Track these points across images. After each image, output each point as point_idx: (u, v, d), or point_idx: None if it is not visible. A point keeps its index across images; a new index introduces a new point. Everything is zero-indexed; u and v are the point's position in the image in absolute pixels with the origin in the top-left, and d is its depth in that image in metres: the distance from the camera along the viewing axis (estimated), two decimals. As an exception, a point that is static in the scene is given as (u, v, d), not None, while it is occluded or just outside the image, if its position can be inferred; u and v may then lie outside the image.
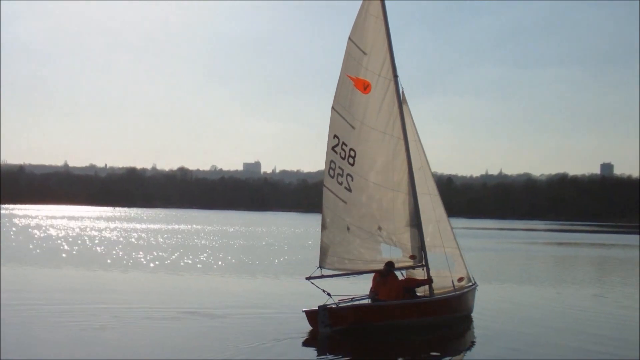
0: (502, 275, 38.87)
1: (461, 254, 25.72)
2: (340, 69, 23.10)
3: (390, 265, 22.78)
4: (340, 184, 23.23)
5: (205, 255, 49.56)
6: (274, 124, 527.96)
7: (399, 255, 23.67)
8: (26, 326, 20.82)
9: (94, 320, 22.09)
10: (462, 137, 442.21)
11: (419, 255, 23.70)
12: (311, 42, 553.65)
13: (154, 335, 20.36)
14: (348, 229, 23.36)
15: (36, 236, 66.61)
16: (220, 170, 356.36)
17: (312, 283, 22.52)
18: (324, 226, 23.38)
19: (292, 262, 46.47)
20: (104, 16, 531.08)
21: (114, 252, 49.80)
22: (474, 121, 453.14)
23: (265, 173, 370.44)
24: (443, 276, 24.10)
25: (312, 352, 19.47)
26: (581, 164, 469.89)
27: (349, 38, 23.13)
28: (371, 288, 22.73)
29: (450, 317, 23.24)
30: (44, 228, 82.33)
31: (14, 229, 79.15)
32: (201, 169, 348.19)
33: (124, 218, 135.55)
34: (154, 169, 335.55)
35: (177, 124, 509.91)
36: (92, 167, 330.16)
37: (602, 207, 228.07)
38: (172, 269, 39.29)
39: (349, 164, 23.20)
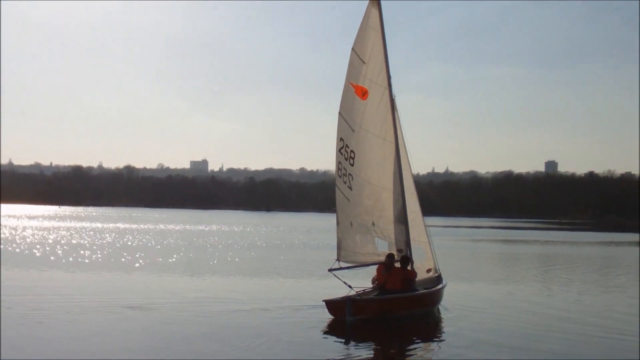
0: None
1: (431, 247, 27.74)
2: (345, 77, 25.19)
3: (391, 257, 24.92)
4: (345, 183, 25.59)
5: (192, 254, 50.32)
6: (221, 122, 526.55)
7: (385, 249, 25.89)
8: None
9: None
10: (408, 134, 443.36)
11: (405, 249, 25.80)
12: (258, 41, 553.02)
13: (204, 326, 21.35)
14: (351, 224, 25.80)
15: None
16: (167, 168, 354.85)
17: (334, 275, 25.05)
18: (337, 223, 25.85)
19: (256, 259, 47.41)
20: (49, 15, 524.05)
21: (82, 252, 49.82)
22: (420, 119, 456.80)
23: (212, 171, 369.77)
24: (416, 267, 26.04)
25: (338, 339, 20.69)
26: (526, 161, 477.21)
27: (352, 49, 25.16)
28: (374, 278, 24.87)
29: (438, 305, 25.80)
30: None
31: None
32: (148, 167, 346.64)
33: (71, 217, 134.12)
34: (100, 167, 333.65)
35: (123, 122, 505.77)
36: (37, 165, 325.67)
37: (546, 204, 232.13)
38: (160, 269, 40.24)
39: (350, 164, 25.48)
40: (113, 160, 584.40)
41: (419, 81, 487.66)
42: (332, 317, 22.78)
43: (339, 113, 25.29)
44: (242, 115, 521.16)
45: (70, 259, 43.05)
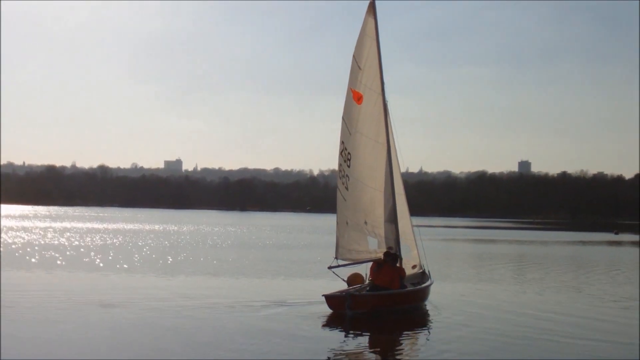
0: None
1: (417, 245, 29.12)
2: (348, 82, 26.47)
3: (386, 255, 26.04)
4: (343, 184, 26.81)
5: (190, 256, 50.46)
6: (195, 122, 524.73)
7: (376, 246, 27.17)
8: None
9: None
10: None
11: (395, 247, 26.90)
12: (233, 41, 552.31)
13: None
14: (347, 223, 27.00)
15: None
16: (141, 168, 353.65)
17: (333, 272, 26.48)
18: (337, 222, 27.07)
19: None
20: (24, 12, 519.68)
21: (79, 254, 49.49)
22: (393, 119, 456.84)
23: (186, 171, 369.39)
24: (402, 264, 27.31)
25: (339, 330, 21.78)
26: (499, 161, 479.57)
27: (353, 55, 26.39)
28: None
29: (426, 301, 26.97)
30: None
31: None
32: (122, 166, 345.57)
33: (43, 216, 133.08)
34: (73, 166, 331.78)
35: (97, 121, 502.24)
36: (9, 165, 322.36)
37: (520, 203, 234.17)
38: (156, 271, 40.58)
39: (347, 165, 26.73)
40: (86, 159, 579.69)
41: (391, 82, 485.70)
42: (332, 311, 23.76)
43: (342, 117, 26.59)
44: (216, 115, 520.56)
45: (35, 259, 42.86)
